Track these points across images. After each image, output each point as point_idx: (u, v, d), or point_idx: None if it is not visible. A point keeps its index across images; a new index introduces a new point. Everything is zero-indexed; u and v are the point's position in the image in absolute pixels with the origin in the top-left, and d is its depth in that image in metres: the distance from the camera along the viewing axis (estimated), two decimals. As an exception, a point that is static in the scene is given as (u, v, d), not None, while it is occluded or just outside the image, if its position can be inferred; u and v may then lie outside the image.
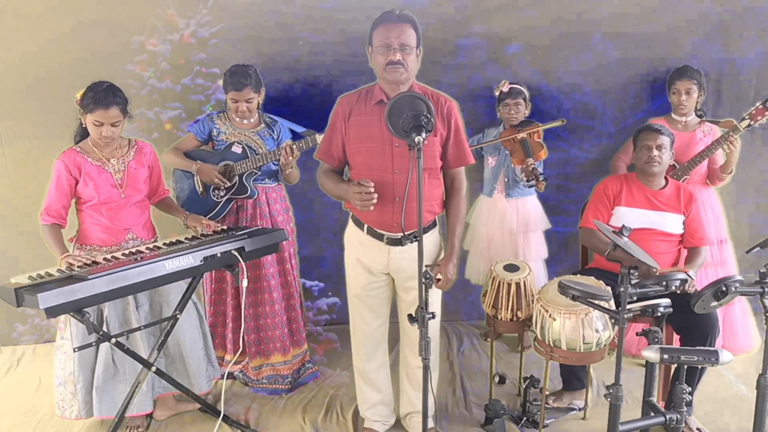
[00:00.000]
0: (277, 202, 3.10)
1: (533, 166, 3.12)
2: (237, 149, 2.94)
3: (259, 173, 2.98)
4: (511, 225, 3.31)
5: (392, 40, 2.21)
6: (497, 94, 3.29)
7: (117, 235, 2.61)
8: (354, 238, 2.49)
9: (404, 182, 2.24)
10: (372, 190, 2.24)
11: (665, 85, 3.31)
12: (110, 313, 2.58)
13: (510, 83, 3.26)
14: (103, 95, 2.44)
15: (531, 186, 3.21)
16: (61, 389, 2.68)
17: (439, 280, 2.37)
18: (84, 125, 2.55)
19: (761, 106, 3.01)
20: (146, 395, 2.67)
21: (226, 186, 2.96)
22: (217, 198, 2.99)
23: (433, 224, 2.48)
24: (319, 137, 2.81)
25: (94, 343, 2.43)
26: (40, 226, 2.55)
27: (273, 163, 3.01)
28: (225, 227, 2.87)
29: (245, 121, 3.01)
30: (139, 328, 2.55)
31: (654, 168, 2.78)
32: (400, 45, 2.21)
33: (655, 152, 2.76)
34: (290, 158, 2.86)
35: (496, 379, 3.05)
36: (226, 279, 3.09)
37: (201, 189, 3.02)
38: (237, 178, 2.95)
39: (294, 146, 2.87)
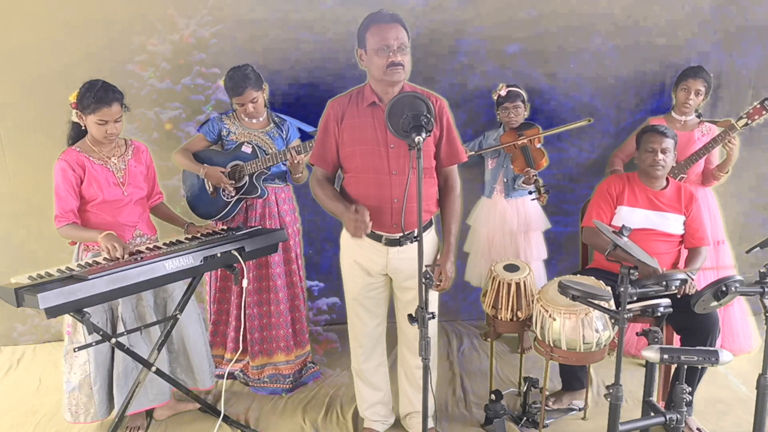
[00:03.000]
0: (286, 203, 3.10)
1: (536, 177, 3.12)
2: (247, 149, 2.94)
3: (269, 173, 2.98)
4: (512, 225, 3.30)
5: (391, 41, 2.19)
6: (495, 98, 3.28)
7: (124, 233, 2.60)
8: (351, 240, 2.47)
9: (401, 183, 2.25)
10: (368, 219, 2.23)
11: (665, 84, 3.30)
12: (125, 311, 2.58)
13: (507, 86, 3.23)
14: (104, 93, 2.44)
15: (533, 199, 3.19)
16: (75, 394, 2.62)
17: (440, 282, 2.37)
18: (83, 127, 2.54)
19: (759, 105, 3.01)
20: (164, 385, 2.68)
21: (234, 187, 2.95)
22: (228, 198, 2.99)
23: (430, 223, 2.48)
24: None
25: (94, 343, 2.43)
26: (57, 231, 2.50)
27: (282, 164, 3.01)
28: (225, 227, 2.88)
29: (254, 121, 3.01)
30: (139, 328, 2.54)
31: (658, 171, 2.78)
32: (399, 46, 2.20)
33: (660, 156, 2.75)
34: (296, 160, 2.85)
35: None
36: (230, 279, 3.09)
37: (211, 190, 3.02)
38: (247, 178, 2.95)
39: (299, 146, 2.85)
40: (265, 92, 3.00)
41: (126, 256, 2.37)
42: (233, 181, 2.94)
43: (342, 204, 2.34)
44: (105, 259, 2.37)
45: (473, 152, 3.28)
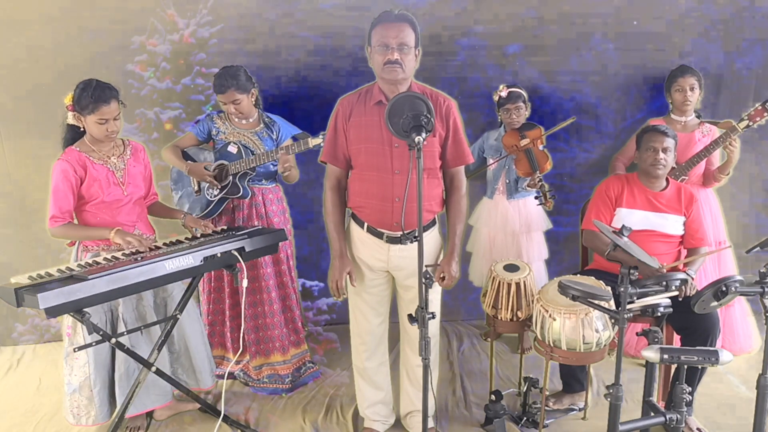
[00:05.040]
0: (274, 203, 3.09)
1: (541, 181, 3.10)
2: (233, 149, 2.95)
3: (254, 174, 2.98)
4: (513, 226, 3.30)
5: (390, 39, 2.20)
6: (496, 99, 3.25)
7: None
8: (354, 235, 2.50)
9: (403, 182, 2.24)
10: (342, 295, 2.46)
11: (664, 85, 3.30)
12: (125, 311, 2.58)
13: (508, 87, 3.21)
14: (101, 92, 2.45)
15: (539, 204, 3.18)
16: (76, 396, 2.61)
17: (443, 278, 2.38)
18: (81, 128, 2.54)
19: (760, 107, 3.00)
20: (166, 385, 2.68)
21: (220, 185, 2.96)
22: (211, 197, 3.00)
23: (433, 223, 2.48)
24: (312, 141, 2.80)
25: (94, 343, 2.43)
26: (49, 230, 2.48)
27: (272, 164, 3.00)
28: (224, 227, 2.87)
29: (244, 121, 3.01)
30: (139, 328, 2.54)
31: (659, 171, 2.77)
32: (398, 44, 2.21)
33: (661, 155, 2.75)
34: (288, 158, 2.84)
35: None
36: (224, 279, 3.10)
37: (196, 188, 3.03)
38: (231, 177, 2.96)
39: (293, 146, 2.85)
40: (254, 96, 2.98)
41: (147, 248, 2.42)
42: (215, 172, 2.94)
43: (341, 250, 2.45)
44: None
45: (476, 171, 3.30)
